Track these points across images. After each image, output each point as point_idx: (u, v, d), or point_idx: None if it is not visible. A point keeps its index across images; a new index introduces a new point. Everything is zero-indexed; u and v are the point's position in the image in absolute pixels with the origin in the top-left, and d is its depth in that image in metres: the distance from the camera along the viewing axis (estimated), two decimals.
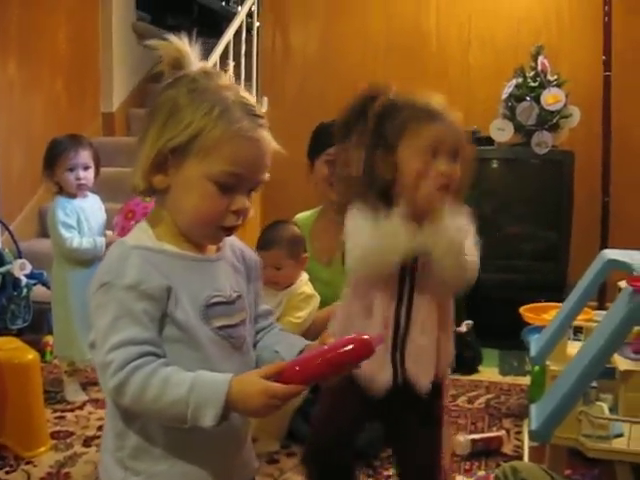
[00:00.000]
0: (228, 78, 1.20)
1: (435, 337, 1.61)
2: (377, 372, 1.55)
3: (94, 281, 1.12)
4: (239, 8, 4.83)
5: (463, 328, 3.34)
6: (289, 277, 2.41)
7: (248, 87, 4.56)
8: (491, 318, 3.44)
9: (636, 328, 1.87)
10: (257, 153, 1.16)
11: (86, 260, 2.84)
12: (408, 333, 1.57)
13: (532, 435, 1.59)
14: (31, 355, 2.48)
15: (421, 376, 1.56)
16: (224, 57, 4.22)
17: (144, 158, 1.14)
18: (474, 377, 3.22)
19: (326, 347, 1.11)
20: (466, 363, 3.27)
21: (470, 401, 2.90)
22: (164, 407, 1.05)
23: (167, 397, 1.04)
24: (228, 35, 4.24)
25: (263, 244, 2.38)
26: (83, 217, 2.87)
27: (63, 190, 2.88)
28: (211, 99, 1.12)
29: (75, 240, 2.81)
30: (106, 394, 1.15)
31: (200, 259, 1.19)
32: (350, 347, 1.08)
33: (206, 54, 4.01)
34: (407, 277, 1.57)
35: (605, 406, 1.72)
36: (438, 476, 1.67)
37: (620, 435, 1.61)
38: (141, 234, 1.18)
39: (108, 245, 2.88)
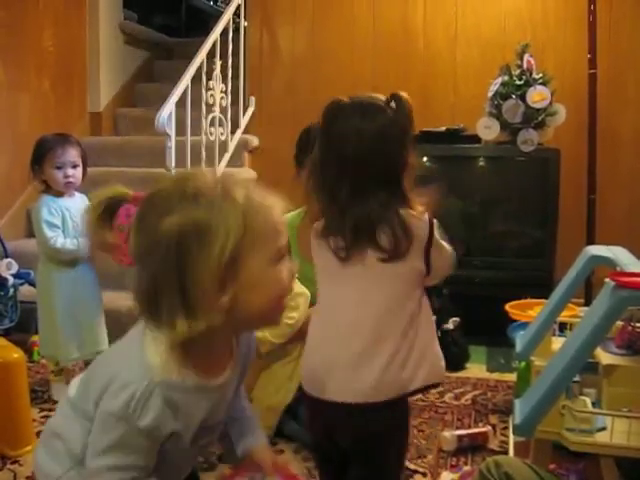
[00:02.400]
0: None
1: None
2: None
3: (109, 393, 1.12)
4: (227, 8, 4.82)
5: (450, 325, 3.35)
6: None
7: (235, 86, 4.56)
8: (478, 315, 3.45)
9: (619, 322, 1.89)
10: (282, 218, 1.19)
11: (70, 260, 2.84)
12: None
13: (515, 429, 1.60)
14: (16, 354, 2.47)
15: None
16: (211, 56, 4.22)
17: (204, 290, 1.06)
18: (461, 374, 3.23)
19: None
20: (453, 360, 3.29)
21: (457, 397, 2.91)
22: None
23: None
24: (215, 34, 4.23)
25: None
26: (68, 216, 2.86)
27: (50, 188, 2.87)
28: (226, 200, 1.10)
29: (59, 240, 2.80)
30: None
31: (216, 388, 1.21)
32: None
33: (194, 53, 4.03)
34: None
35: (588, 400, 1.73)
36: None
37: (603, 429, 1.62)
38: (166, 359, 1.13)
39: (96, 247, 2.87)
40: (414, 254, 1.58)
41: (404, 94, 1.66)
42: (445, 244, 1.68)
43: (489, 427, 2.50)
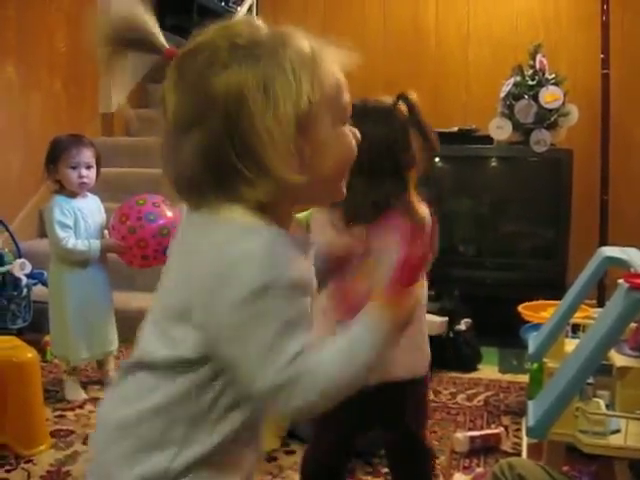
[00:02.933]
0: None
1: None
2: None
3: (234, 289, 0.90)
4: (238, 9, 4.82)
5: (462, 326, 3.34)
6: None
7: None
8: (490, 316, 3.44)
9: (633, 324, 1.88)
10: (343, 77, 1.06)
11: (81, 261, 2.84)
12: None
13: (529, 431, 1.60)
14: (30, 354, 2.49)
15: None
16: None
17: (276, 150, 0.92)
18: (473, 375, 3.22)
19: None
20: (465, 361, 3.28)
21: (469, 399, 2.90)
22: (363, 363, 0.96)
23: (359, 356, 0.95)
24: None
25: None
26: (80, 217, 2.87)
27: (63, 189, 2.88)
28: (290, 52, 0.97)
29: (70, 241, 2.81)
30: (288, 413, 0.97)
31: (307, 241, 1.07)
32: None
33: None
34: None
35: (602, 402, 1.72)
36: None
37: (617, 431, 1.61)
38: (252, 219, 0.95)
39: (105, 248, 2.88)
40: None
41: (412, 94, 1.65)
42: None
43: (502, 428, 2.49)
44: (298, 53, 0.97)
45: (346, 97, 1.02)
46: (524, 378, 2.95)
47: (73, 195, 2.89)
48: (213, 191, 0.95)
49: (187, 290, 0.95)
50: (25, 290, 3.54)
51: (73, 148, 2.85)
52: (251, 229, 0.93)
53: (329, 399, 0.95)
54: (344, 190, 1.05)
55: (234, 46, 0.95)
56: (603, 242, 3.80)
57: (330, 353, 0.94)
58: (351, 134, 1.03)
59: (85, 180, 2.87)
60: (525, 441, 2.19)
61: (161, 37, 1.04)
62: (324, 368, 0.93)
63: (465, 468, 2.27)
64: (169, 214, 2.82)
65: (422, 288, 1.59)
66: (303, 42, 0.99)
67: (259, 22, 1.02)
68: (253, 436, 1.05)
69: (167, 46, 1.03)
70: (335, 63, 1.02)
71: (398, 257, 1.01)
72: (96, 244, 2.85)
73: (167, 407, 0.98)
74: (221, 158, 0.93)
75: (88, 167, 2.89)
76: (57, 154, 2.85)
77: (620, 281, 1.57)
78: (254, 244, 0.91)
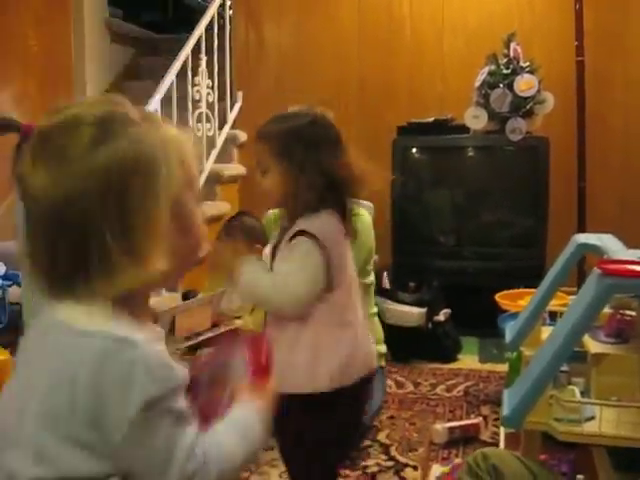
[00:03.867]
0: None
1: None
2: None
3: (124, 407, 0.87)
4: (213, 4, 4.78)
5: (441, 317, 3.34)
6: None
7: (222, 82, 4.53)
8: (470, 306, 3.44)
9: (608, 310, 1.87)
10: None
11: None
12: None
13: (504, 421, 1.58)
14: (2, 356, 2.45)
15: None
16: (196, 52, 4.19)
17: (154, 234, 0.91)
18: (453, 365, 3.22)
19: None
20: (445, 352, 3.27)
21: (449, 389, 2.90)
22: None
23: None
24: (200, 29, 4.20)
25: (220, 233, 2.44)
26: None
27: None
28: (155, 129, 0.98)
29: None
30: None
31: None
32: None
33: (180, 49, 3.99)
34: None
35: (577, 390, 1.71)
36: None
37: (592, 418, 1.60)
38: (116, 324, 0.92)
39: None
40: None
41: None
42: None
43: (480, 418, 2.48)
44: (170, 135, 0.97)
45: (198, 178, 1.05)
46: (504, 367, 2.94)
47: None
48: (76, 276, 0.90)
49: (66, 409, 0.88)
50: (0, 292, 3.49)
51: None
52: (124, 340, 0.88)
53: (233, 475, 1.00)
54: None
55: (104, 124, 0.91)
56: (581, 229, 3.80)
57: (226, 433, 1.00)
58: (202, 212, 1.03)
59: None
60: (502, 431, 2.19)
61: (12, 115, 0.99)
62: (223, 449, 0.97)
63: (444, 459, 2.27)
64: None
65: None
66: (168, 126, 0.99)
67: (124, 100, 0.97)
68: None
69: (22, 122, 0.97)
70: (192, 146, 1.02)
71: (247, 364, 1.15)
72: None
73: None
74: (93, 242, 0.88)
75: None
76: None
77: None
78: (130, 359, 0.88)
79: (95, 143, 0.89)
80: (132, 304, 0.95)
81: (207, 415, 1.10)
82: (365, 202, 2.78)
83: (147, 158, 0.91)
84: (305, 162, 1.64)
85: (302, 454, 1.68)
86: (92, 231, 0.88)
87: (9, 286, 3.54)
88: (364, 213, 2.59)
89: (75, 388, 0.87)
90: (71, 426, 0.88)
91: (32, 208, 0.90)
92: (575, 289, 3.45)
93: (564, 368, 1.75)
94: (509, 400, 1.61)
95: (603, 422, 1.55)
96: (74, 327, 0.90)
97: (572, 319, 1.51)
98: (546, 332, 2.03)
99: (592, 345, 1.81)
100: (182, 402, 0.93)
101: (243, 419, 1.04)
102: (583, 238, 1.97)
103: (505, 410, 1.57)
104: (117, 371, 0.87)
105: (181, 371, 0.94)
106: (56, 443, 0.88)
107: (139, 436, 0.88)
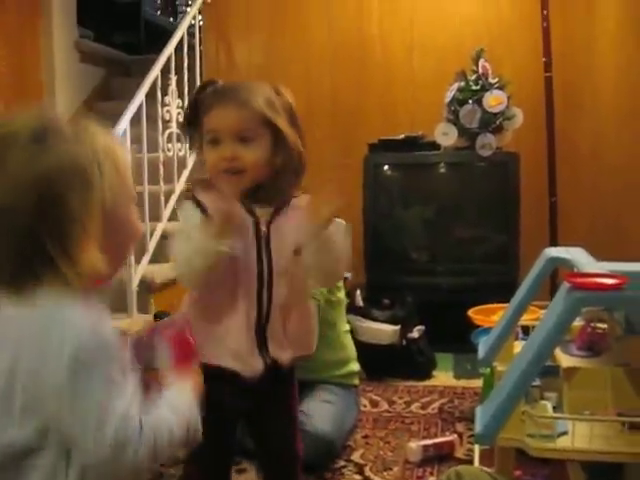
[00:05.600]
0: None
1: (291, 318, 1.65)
2: (248, 358, 1.59)
3: (57, 367, 0.96)
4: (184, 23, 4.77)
5: (415, 334, 3.32)
6: None
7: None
8: (443, 322, 3.42)
9: (578, 323, 1.87)
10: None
11: None
12: (269, 317, 1.61)
13: (476, 438, 1.57)
14: None
15: (282, 354, 1.62)
16: (166, 72, 4.17)
17: (87, 236, 1.02)
18: (428, 382, 3.20)
19: None
20: (420, 369, 3.25)
21: (423, 407, 2.87)
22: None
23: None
24: (169, 49, 4.18)
25: None
26: None
27: None
28: (93, 142, 1.07)
29: None
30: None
31: None
32: None
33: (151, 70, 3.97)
34: (265, 268, 1.60)
35: (549, 405, 1.70)
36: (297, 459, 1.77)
37: (565, 433, 1.59)
38: (59, 297, 1.02)
39: None
40: None
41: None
42: None
43: (455, 435, 2.46)
44: (102, 144, 1.05)
45: (131, 183, 1.12)
46: (479, 383, 2.93)
47: None
48: (25, 280, 1.00)
49: (10, 379, 0.98)
50: None
51: None
52: (62, 306, 0.99)
53: (165, 448, 1.04)
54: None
55: (38, 138, 1.01)
56: (553, 244, 3.82)
57: (157, 410, 1.07)
58: (136, 212, 1.14)
59: None
60: (477, 448, 2.17)
61: None
62: (158, 422, 1.04)
63: (418, 478, 2.24)
64: None
65: None
66: (99, 132, 1.07)
67: (56, 114, 1.12)
68: None
69: None
70: (126, 152, 1.14)
71: (170, 352, 1.23)
72: None
73: None
74: (30, 242, 0.98)
75: None
76: None
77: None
78: (68, 321, 0.98)
79: (30, 157, 0.98)
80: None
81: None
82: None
83: (80, 170, 1.00)
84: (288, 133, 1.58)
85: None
86: (30, 238, 0.98)
87: None
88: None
89: (12, 359, 0.98)
90: (11, 400, 0.97)
91: None
92: (548, 303, 3.49)
93: (536, 383, 1.74)
94: (482, 417, 1.59)
95: (576, 437, 1.54)
96: (19, 312, 1.00)
97: (542, 334, 1.50)
98: (519, 347, 2.02)
99: (564, 359, 1.80)
100: (115, 370, 1.00)
101: (174, 397, 1.12)
102: (554, 252, 1.97)
103: (478, 427, 1.56)
104: (53, 338, 0.96)
105: (114, 342, 1.02)
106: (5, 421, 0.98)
107: (71, 397, 0.96)
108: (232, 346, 1.58)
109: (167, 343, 1.26)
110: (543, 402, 1.71)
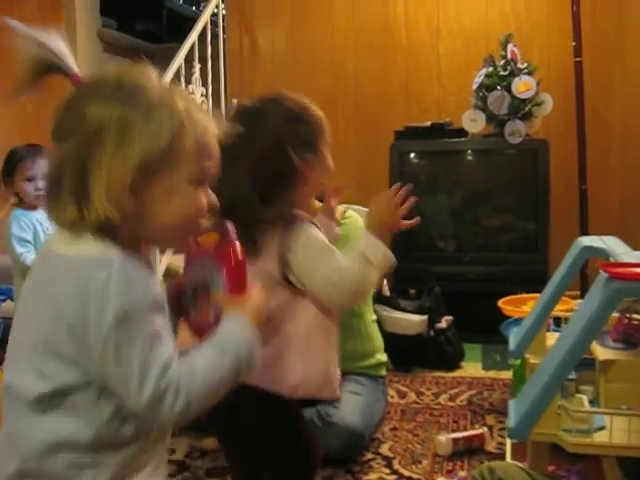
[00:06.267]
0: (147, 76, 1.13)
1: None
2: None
3: (99, 320, 0.99)
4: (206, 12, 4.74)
5: (443, 324, 3.27)
6: None
7: (216, 90, 4.47)
8: (472, 312, 3.39)
9: (614, 315, 1.81)
10: (216, 145, 1.16)
11: None
12: None
13: (510, 433, 1.52)
14: None
15: None
16: (190, 60, 4.14)
17: (107, 184, 1.03)
18: (456, 373, 3.15)
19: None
20: (448, 359, 3.21)
21: (452, 398, 2.83)
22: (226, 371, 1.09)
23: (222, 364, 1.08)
24: (192, 37, 4.14)
25: None
26: (41, 230, 2.78)
27: (22, 201, 2.79)
28: (163, 105, 1.08)
29: (28, 257, 2.71)
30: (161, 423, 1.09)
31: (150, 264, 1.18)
32: None
33: (173, 58, 3.95)
34: None
35: (585, 398, 1.65)
36: None
37: (602, 428, 1.54)
38: (100, 247, 1.05)
39: None
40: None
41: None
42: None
43: (485, 429, 2.41)
44: (170, 108, 1.08)
45: (210, 164, 1.14)
46: (508, 375, 2.89)
47: (32, 207, 2.80)
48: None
49: (53, 326, 1.02)
50: None
51: (28, 160, 2.76)
52: (102, 259, 1.02)
53: (210, 396, 1.07)
54: (185, 242, 1.24)
55: (118, 85, 1.08)
56: (584, 232, 3.75)
57: (201, 353, 1.08)
58: (205, 197, 1.13)
59: (42, 192, 2.79)
60: (509, 442, 2.12)
61: (73, 65, 1.17)
62: (199, 367, 1.05)
63: (448, 472, 2.19)
64: None
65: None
66: (180, 101, 1.10)
67: (154, 74, 1.13)
68: (159, 437, 1.14)
69: (76, 71, 1.16)
70: (210, 129, 1.14)
71: (222, 276, 1.20)
72: None
73: (61, 443, 1.04)
74: (61, 174, 1.05)
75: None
76: (12, 166, 2.76)
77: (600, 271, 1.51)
78: (107, 274, 0.99)
79: (93, 98, 1.07)
80: (117, 236, 1.05)
81: (200, 332, 1.20)
82: (363, 208, 2.71)
83: (126, 122, 1.04)
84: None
85: None
86: (65, 168, 1.05)
87: (3, 301, 3.49)
88: (353, 215, 2.50)
89: (58, 307, 1.01)
90: (56, 343, 1.02)
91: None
92: (578, 292, 3.43)
93: (571, 376, 1.69)
94: (515, 411, 1.55)
95: (614, 432, 1.49)
96: (59, 254, 1.06)
97: (579, 325, 1.45)
98: (551, 338, 1.97)
99: (599, 351, 1.75)
100: (158, 321, 1.03)
101: (225, 334, 1.12)
102: (587, 241, 1.91)
103: (511, 421, 1.51)
104: (94, 287, 0.99)
105: (157, 289, 1.06)
106: (46, 360, 1.03)
107: (115, 350, 0.99)
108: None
109: (219, 265, 1.20)
110: (579, 396, 1.67)
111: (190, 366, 1.04)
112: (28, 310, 1.10)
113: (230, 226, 1.27)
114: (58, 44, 1.19)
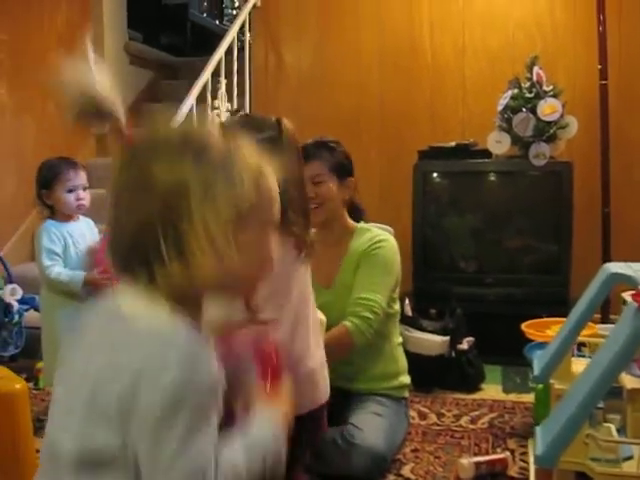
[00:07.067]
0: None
1: None
2: None
3: (156, 396, 0.95)
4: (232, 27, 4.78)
5: (465, 345, 3.26)
6: None
7: (241, 104, 4.51)
8: (492, 333, 3.37)
9: None
10: (277, 190, 1.16)
11: (68, 291, 2.74)
12: None
13: (537, 460, 1.52)
14: (19, 385, 2.39)
15: None
16: (216, 75, 4.18)
17: (207, 238, 1.01)
18: (477, 395, 3.13)
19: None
20: (468, 381, 3.20)
21: (473, 421, 2.81)
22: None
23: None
24: (219, 52, 4.19)
25: None
26: (71, 242, 2.81)
27: (56, 213, 2.82)
28: (238, 160, 1.08)
29: (54, 270, 2.73)
30: None
31: None
32: None
33: (199, 72, 3.99)
34: None
35: (613, 427, 1.65)
36: None
37: (630, 458, 1.54)
38: (171, 317, 1.01)
39: (88, 282, 2.72)
40: None
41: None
42: None
43: (508, 453, 2.40)
44: (245, 162, 1.07)
45: (276, 208, 1.14)
46: (529, 398, 2.88)
47: (65, 219, 2.83)
48: (138, 269, 1.03)
49: (104, 392, 0.98)
50: (17, 316, 3.46)
51: (70, 171, 2.80)
52: (172, 334, 0.99)
53: None
54: (254, 291, 1.23)
55: (185, 144, 1.05)
56: (606, 256, 3.74)
57: (232, 448, 1.05)
58: (274, 240, 1.13)
59: (83, 202, 2.84)
60: (532, 467, 2.11)
61: (121, 115, 1.21)
62: (227, 463, 1.01)
63: None
64: None
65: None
66: (251, 153, 1.10)
67: (215, 126, 1.16)
68: None
69: (124, 125, 1.22)
70: (273, 178, 1.13)
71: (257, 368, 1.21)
72: (79, 277, 2.74)
73: None
74: (148, 239, 1.01)
75: (84, 189, 2.85)
76: (52, 177, 2.79)
77: (628, 296, 1.51)
78: (175, 351, 0.97)
79: (163, 160, 1.03)
80: (188, 305, 1.04)
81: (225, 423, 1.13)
82: (385, 226, 2.72)
83: (207, 180, 1.02)
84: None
85: None
86: (148, 231, 1.01)
87: (26, 310, 3.51)
88: (389, 238, 2.51)
89: (114, 372, 0.97)
90: (104, 407, 0.98)
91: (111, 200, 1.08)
92: (599, 316, 3.41)
93: (599, 405, 1.69)
94: (542, 437, 1.55)
95: None
96: (138, 323, 1.01)
97: (609, 354, 1.45)
98: (576, 364, 1.97)
99: (627, 380, 1.75)
100: (209, 407, 0.99)
101: (255, 430, 1.11)
102: (614, 267, 1.91)
103: (539, 449, 1.51)
104: (156, 363, 0.96)
105: (215, 378, 1.01)
106: (92, 423, 0.99)
107: (156, 424, 0.95)
108: None
109: (252, 360, 1.21)
110: (606, 425, 1.66)
111: (221, 461, 1.01)
112: (81, 368, 1.05)
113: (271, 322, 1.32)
114: (105, 88, 1.23)
